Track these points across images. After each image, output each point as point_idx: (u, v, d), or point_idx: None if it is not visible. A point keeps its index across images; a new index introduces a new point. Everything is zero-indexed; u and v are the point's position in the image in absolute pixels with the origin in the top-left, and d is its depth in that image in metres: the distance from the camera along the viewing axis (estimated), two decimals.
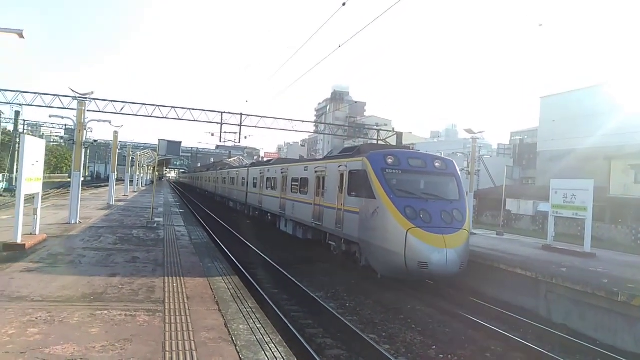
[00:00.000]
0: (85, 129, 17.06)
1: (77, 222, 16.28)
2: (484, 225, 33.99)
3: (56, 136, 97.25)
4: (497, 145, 79.56)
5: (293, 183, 19.71)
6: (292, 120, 32.58)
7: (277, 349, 5.60)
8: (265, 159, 65.37)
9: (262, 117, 31.60)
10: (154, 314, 6.56)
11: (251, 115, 31.60)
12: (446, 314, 10.71)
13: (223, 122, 30.90)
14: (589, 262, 13.79)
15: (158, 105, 28.51)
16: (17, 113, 52.66)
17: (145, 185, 61.49)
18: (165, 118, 28.93)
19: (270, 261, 14.76)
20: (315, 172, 16.98)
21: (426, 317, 10.45)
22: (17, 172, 26.83)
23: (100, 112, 25.94)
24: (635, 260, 15.43)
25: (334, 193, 14.90)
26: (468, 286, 12.83)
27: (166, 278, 8.82)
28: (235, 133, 33.80)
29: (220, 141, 36.20)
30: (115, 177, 29.66)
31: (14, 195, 19.52)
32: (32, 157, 11.09)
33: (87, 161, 78.24)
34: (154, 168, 30.42)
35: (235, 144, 38.58)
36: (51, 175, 78.59)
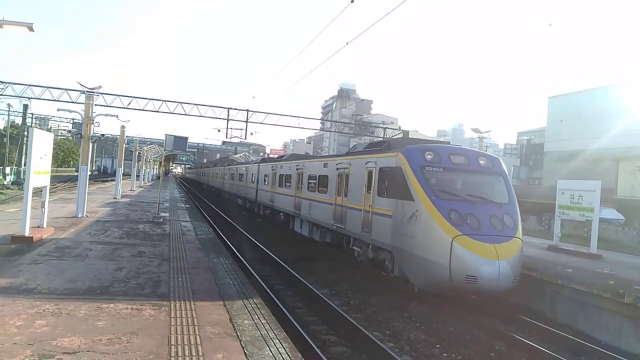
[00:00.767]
0: (92, 123, 17.16)
1: (84, 215, 16.39)
2: None
3: (64, 130, 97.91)
4: (504, 145, 79.30)
5: (310, 180, 18.49)
6: (298, 117, 32.61)
7: (282, 345, 5.63)
8: (271, 156, 65.35)
9: (268, 113, 31.69)
10: (159, 308, 6.61)
11: (257, 112, 31.72)
12: (449, 312, 10.68)
13: (229, 118, 30.99)
14: (595, 263, 13.71)
15: (165, 101, 28.63)
16: (26, 106, 53.01)
17: (151, 180, 61.75)
18: (172, 113, 29.04)
19: (275, 257, 14.78)
20: (337, 169, 15.63)
21: (430, 315, 10.44)
22: (24, 165, 27.04)
23: (107, 106, 26.09)
24: None
25: (360, 193, 13.54)
26: None
27: (172, 273, 8.86)
28: (241, 129, 33.93)
29: (227, 137, 36.38)
30: (122, 171, 29.82)
31: (22, 188, 19.71)
32: (41, 150, 11.17)
33: (94, 155, 78.60)
34: (160, 163, 30.55)
35: (242, 140, 38.68)
36: (58, 169, 79.12)
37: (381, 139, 33.42)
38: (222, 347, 5.34)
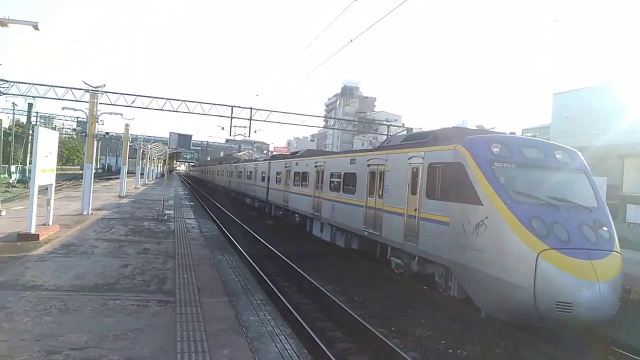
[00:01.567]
0: (97, 122, 17.23)
1: (89, 213, 16.47)
2: None
3: (68, 128, 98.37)
4: None
5: (333, 179, 16.57)
6: (302, 114, 32.62)
7: (288, 341, 5.64)
8: (274, 153, 65.29)
9: (272, 111, 31.74)
10: (165, 304, 6.64)
11: (261, 110, 31.73)
12: (454, 309, 10.64)
13: (233, 115, 31.03)
14: None
15: (169, 99, 28.73)
16: (30, 105, 53.33)
17: (155, 178, 61.93)
18: (176, 111, 29.16)
19: (279, 254, 14.78)
20: (369, 165, 13.68)
21: (434, 312, 10.41)
22: (30, 163, 27.20)
23: (111, 104, 26.19)
24: None
25: (401, 193, 11.54)
26: None
27: (177, 269, 8.90)
28: (245, 127, 33.96)
29: (230, 135, 36.39)
30: (127, 169, 29.91)
31: (27, 186, 19.84)
32: (46, 148, 11.23)
33: (99, 153, 78.92)
34: (164, 161, 30.61)
35: (245, 137, 38.71)
36: (63, 167, 79.48)
37: (385, 136, 33.27)
38: (228, 343, 5.36)
